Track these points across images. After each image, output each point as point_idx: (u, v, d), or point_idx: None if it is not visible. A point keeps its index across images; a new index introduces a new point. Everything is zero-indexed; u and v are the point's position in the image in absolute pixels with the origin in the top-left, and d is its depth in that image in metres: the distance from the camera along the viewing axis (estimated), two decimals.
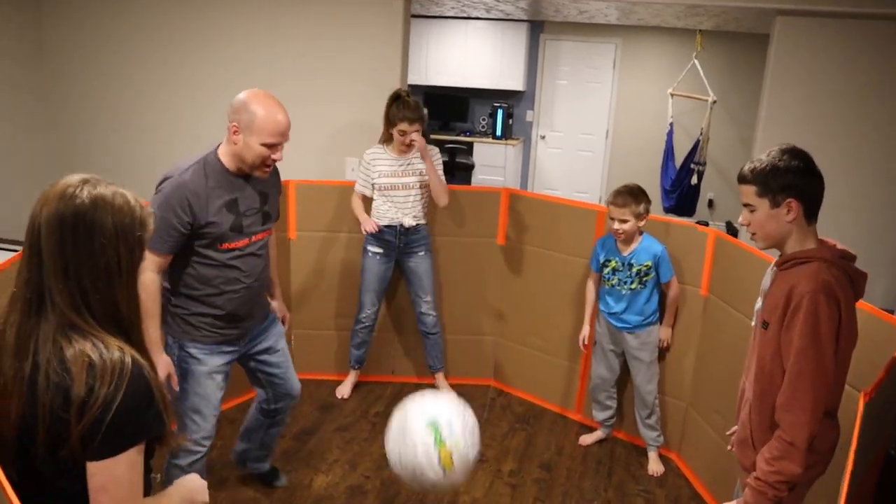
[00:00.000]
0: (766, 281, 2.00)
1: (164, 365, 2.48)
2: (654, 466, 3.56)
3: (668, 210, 7.18)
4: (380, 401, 4.05)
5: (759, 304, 2.04)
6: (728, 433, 2.24)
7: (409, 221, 3.78)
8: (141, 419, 1.33)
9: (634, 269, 3.39)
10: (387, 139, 3.78)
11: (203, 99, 4.55)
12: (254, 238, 2.57)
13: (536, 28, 8.72)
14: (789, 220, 1.88)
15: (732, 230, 7.04)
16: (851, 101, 3.89)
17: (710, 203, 8.57)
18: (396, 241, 3.81)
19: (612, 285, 3.46)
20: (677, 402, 3.60)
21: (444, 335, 4.19)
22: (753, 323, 2.07)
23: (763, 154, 1.92)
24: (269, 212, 2.65)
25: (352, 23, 4.28)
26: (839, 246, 1.91)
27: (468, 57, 8.69)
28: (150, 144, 4.68)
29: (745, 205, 1.92)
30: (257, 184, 2.56)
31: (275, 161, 2.47)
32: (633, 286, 3.40)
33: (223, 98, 4.63)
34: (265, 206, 2.61)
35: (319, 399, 4.02)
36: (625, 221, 3.33)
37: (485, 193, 4.14)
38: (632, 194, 3.36)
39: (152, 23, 4.52)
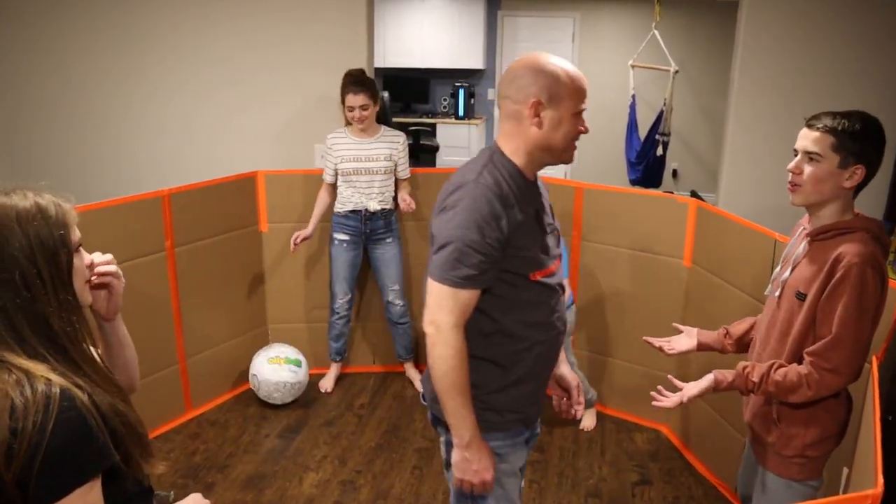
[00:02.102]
0: (798, 250, 1.93)
1: (487, 460, 1.76)
2: (587, 422, 3.73)
3: (634, 182, 7.17)
4: (364, 392, 3.98)
5: (780, 273, 1.98)
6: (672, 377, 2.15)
7: (373, 206, 3.69)
8: (79, 456, 1.15)
9: None
10: (347, 121, 3.69)
11: (164, 92, 4.38)
12: (554, 265, 1.86)
13: (494, 5, 8.62)
14: (847, 187, 1.82)
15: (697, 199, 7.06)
16: (826, 64, 3.88)
17: (675, 173, 8.60)
18: (362, 227, 3.72)
19: None
20: (664, 375, 3.58)
21: (418, 322, 4.11)
22: (769, 292, 2.02)
23: (841, 111, 1.84)
24: (558, 228, 1.96)
25: (315, 5, 4.14)
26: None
27: (426, 37, 8.57)
28: (112, 141, 4.50)
29: (809, 153, 1.82)
30: (541, 192, 1.89)
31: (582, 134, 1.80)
32: None
33: (184, 90, 4.51)
34: (554, 220, 1.93)
35: (302, 394, 3.92)
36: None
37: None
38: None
39: (109, 17, 4.32)
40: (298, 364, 3.78)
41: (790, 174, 1.87)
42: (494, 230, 1.65)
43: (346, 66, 3.85)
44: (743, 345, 2.18)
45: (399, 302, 3.89)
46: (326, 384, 4.00)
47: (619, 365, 3.73)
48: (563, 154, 1.77)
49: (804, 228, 1.94)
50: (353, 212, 3.69)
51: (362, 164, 3.64)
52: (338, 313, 3.87)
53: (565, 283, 1.98)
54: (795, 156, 1.88)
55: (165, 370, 3.55)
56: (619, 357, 3.73)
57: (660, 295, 3.52)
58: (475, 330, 1.74)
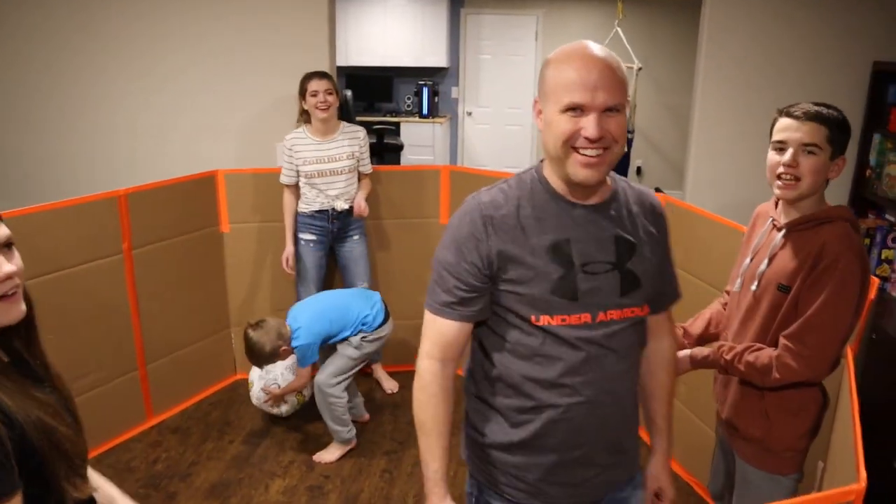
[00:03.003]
0: (774, 242, 1.88)
1: None
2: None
3: None
4: None
5: (751, 266, 1.94)
6: None
7: (341, 205, 3.62)
8: None
9: None
10: (305, 119, 3.60)
11: (122, 92, 4.25)
12: (605, 316, 1.46)
13: (457, 3, 8.58)
14: (831, 178, 1.81)
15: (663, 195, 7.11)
16: (785, 56, 3.90)
17: (639, 170, 8.64)
18: (329, 227, 3.65)
19: None
20: None
21: None
22: (738, 287, 1.99)
23: (815, 101, 1.81)
24: (639, 275, 1.48)
25: (277, 8, 4.05)
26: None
27: (389, 35, 8.49)
28: (70, 141, 4.36)
29: (806, 144, 1.76)
30: (616, 221, 1.48)
31: (595, 140, 1.34)
32: None
33: (143, 90, 4.38)
34: (629, 262, 1.47)
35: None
36: None
37: (423, 172, 4.00)
38: None
39: (68, 17, 4.18)
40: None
41: (783, 167, 1.79)
42: (472, 253, 1.42)
43: (309, 63, 3.80)
44: (703, 342, 2.14)
45: None
46: None
47: None
48: (563, 164, 1.39)
49: (772, 219, 1.91)
50: (319, 211, 3.61)
51: (325, 166, 3.57)
52: None
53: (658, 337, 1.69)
54: (780, 149, 1.81)
55: (124, 377, 3.43)
56: None
57: None
58: (481, 371, 1.55)
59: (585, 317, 1.42)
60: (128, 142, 4.30)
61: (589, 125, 1.32)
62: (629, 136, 6.98)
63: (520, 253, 1.41)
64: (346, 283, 3.83)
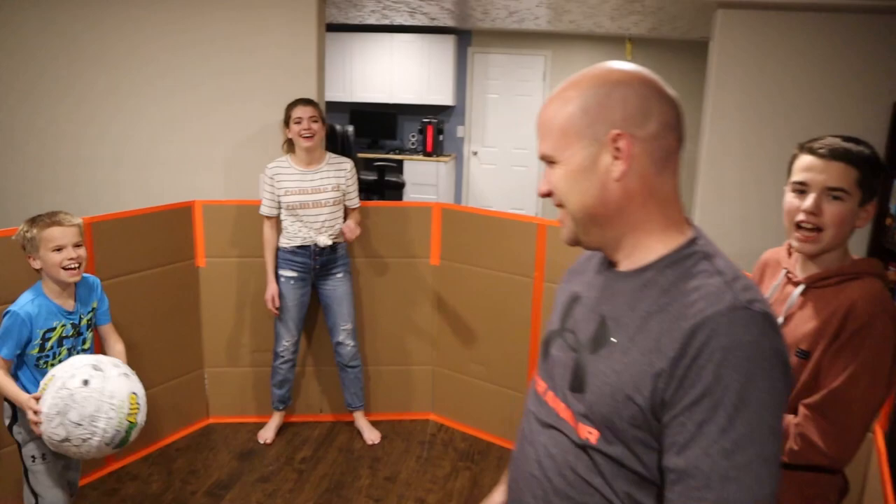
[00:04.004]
0: (790, 300, 1.61)
1: None
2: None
3: None
4: (307, 444, 3.62)
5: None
6: None
7: (323, 241, 3.40)
8: None
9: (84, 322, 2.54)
10: (289, 148, 3.41)
11: (102, 117, 4.08)
12: (552, 400, 1.20)
13: (464, 41, 8.47)
14: (858, 226, 1.54)
15: None
16: (797, 96, 3.70)
17: None
18: (312, 263, 3.42)
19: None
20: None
21: (371, 367, 3.81)
22: None
23: (840, 135, 1.54)
24: (587, 377, 1.13)
25: (263, 30, 3.89)
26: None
27: (395, 72, 8.37)
28: (44, 167, 4.18)
29: (832, 189, 1.50)
30: (628, 300, 1.16)
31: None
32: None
33: (122, 117, 4.21)
34: (591, 353, 1.16)
35: (238, 446, 3.57)
36: None
37: (414, 209, 3.79)
38: None
39: (54, 41, 4.04)
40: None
41: (803, 215, 1.53)
42: None
43: (295, 95, 3.60)
44: None
45: (350, 342, 3.58)
46: (266, 434, 3.64)
47: None
48: None
49: (787, 271, 1.66)
50: (300, 247, 3.39)
51: (309, 197, 3.36)
52: (282, 357, 3.54)
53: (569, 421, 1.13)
54: (801, 192, 1.55)
55: None
56: None
57: None
58: None
59: (543, 385, 1.20)
60: (110, 169, 4.12)
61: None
62: None
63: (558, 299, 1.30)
64: (328, 324, 3.59)
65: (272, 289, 3.41)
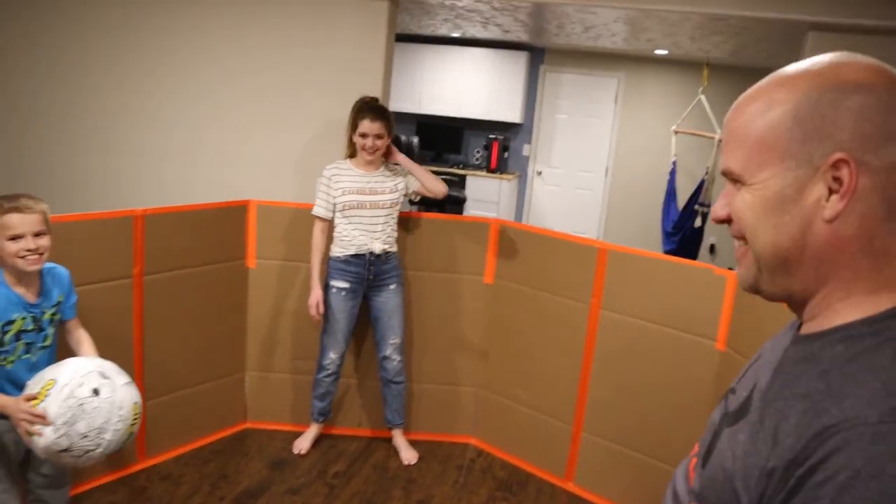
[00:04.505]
0: None
1: None
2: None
3: (668, 254, 6.69)
4: (342, 458, 3.52)
5: None
6: None
7: (378, 247, 3.30)
8: None
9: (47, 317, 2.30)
10: (351, 153, 3.33)
11: (170, 111, 4.09)
12: (692, 471, 1.10)
13: (537, 58, 8.34)
14: None
15: None
16: None
17: (712, 249, 8.12)
18: (365, 273, 3.32)
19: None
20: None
21: (414, 384, 3.68)
22: None
23: None
24: (711, 458, 1.02)
25: (332, 27, 3.84)
26: None
27: (464, 86, 8.29)
28: (109, 158, 4.21)
29: None
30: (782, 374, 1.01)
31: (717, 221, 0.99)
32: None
33: (189, 111, 4.22)
34: (721, 433, 1.03)
35: (271, 454, 3.48)
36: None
37: (471, 224, 3.66)
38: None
39: (115, 29, 4.08)
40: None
41: None
42: None
43: (360, 92, 3.52)
44: None
45: (397, 357, 3.46)
46: (302, 445, 3.54)
47: (640, 458, 3.23)
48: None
49: None
50: (355, 256, 3.30)
51: (367, 198, 3.27)
52: (327, 370, 3.44)
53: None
54: None
55: None
56: (639, 450, 3.23)
57: (687, 381, 3.04)
58: None
59: (695, 449, 0.98)
60: (157, 162, 4.13)
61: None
62: (705, 209, 6.51)
63: None
64: (376, 337, 3.48)
65: (317, 294, 3.32)
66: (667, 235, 6.84)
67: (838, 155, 0.76)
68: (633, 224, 8.32)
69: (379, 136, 3.24)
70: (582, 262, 3.31)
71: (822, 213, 0.78)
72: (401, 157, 3.40)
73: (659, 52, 7.24)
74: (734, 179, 0.84)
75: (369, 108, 3.26)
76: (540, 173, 8.67)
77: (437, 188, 3.41)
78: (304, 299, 3.54)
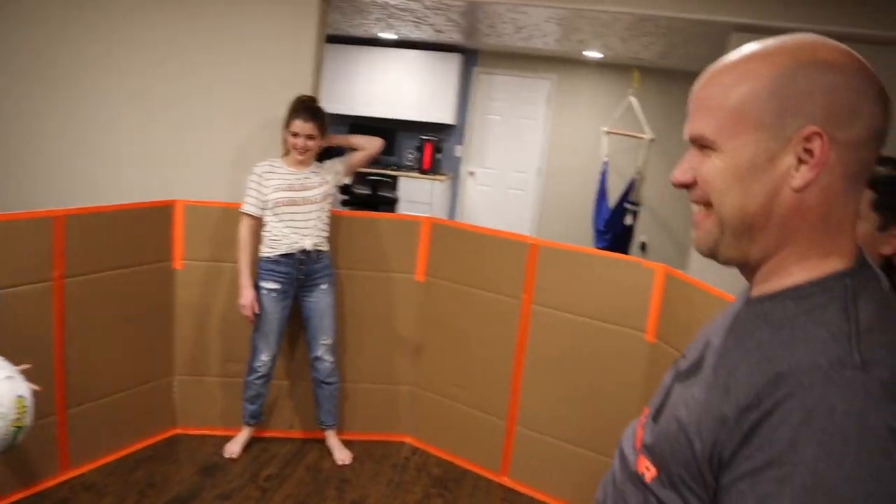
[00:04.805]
0: None
1: None
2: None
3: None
4: (274, 461, 3.45)
5: None
6: None
7: (309, 244, 3.26)
8: None
9: None
10: (285, 151, 3.29)
11: (101, 111, 3.95)
12: (641, 431, 1.17)
13: (470, 60, 8.39)
14: (884, 252, 1.40)
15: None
16: None
17: (643, 246, 8.29)
18: (295, 273, 3.27)
19: None
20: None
21: (347, 384, 3.65)
22: None
23: None
24: (662, 413, 1.13)
25: (261, 35, 3.78)
26: None
27: (398, 88, 8.27)
28: (39, 157, 4.04)
29: None
30: (731, 335, 1.07)
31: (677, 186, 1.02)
32: None
33: (120, 111, 4.08)
34: (673, 390, 1.11)
35: (202, 459, 3.40)
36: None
37: (402, 222, 3.65)
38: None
39: (43, 29, 3.92)
40: None
41: None
42: None
43: (286, 104, 3.49)
44: None
45: (329, 358, 3.42)
46: (233, 449, 3.47)
47: (573, 450, 3.27)
48: None
49: None
50: (285, 255, 3.24)
51: (298, 194, 3.24)
52: (258, 372, 3.37)
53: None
54: None
55: (38, 421, 3.00)
56: (570, 441, 3.27)
57: (617, 373, 3.09)
58: None
59: (645, 412, 1.03)
60: (87, 163, 3.98)
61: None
62: (635, 208, 6.65)
63: None
64: (307, 337, 3.44)
65: (249, 295, 3.25)
66: (599, 234, 6.96)
67: (812, 128, 0.80)
68: (566, 224, 8.43)
69: (310, 137, 3.21)
70: (513, 258, 3.34)
71: (790, 182, 0.82)
72: (338, 139, 3.50)
73: (590, 54, 7.36)
74: (703, 145, 0.87)
75: (304, 107, 3.24)
76: (472, 174, 8.71)
77: (373, 143, 3.49)
78: (233, 300, 3.47)
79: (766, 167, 0.83)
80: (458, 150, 8.65)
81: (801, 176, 0.82)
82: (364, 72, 8.26)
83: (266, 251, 3.26)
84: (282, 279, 3.27)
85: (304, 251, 3.25)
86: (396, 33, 7.42)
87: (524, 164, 8.60)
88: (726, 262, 0.91)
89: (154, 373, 3.50)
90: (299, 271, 3.28)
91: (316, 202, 3.27)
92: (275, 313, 3.30)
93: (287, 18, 3.77)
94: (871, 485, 0.68)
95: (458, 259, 3.52)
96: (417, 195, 8.13)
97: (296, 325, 3.50)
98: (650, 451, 0.92)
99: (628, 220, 6.66)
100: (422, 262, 3.61)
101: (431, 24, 6.38)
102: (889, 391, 0.71)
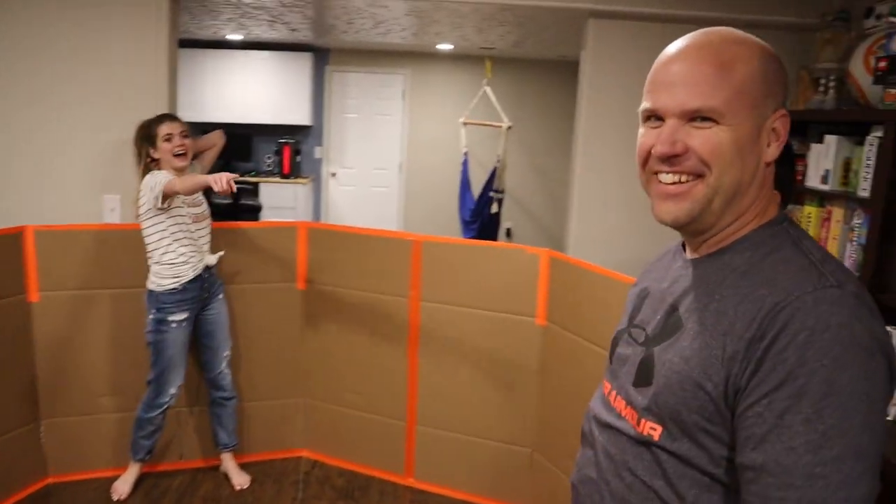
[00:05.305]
0: None
1: None
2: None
3: None
4: (168, 496, 3.24)
5: None
6: None
7: (212, 259, 3.12)
8: None
9: None
10: (156, 167, 3.04)
11: None
12: (614, 400, 1.17)
13: (322, 59, 8.23)
14: None
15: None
16: None
17: (508, 233, 8.48)
18: (200, 294, 3.09)
19: None
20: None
21: (239, 403, 3.48)
22: None
23: None
24: (654, 367, 1.12)
25: (108, 41, 3.50)
26: None
27: (249, 91, 7.99)
28: None
29: None
30: (696, 286, 1.15)
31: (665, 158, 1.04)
32: None
33: None
34: (658, 345, 1.10)
35: None
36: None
37: (278, 230, 3.52)
38: None
39: None
40: None
41: None
42: None
43: (145, 111, 3.26)
44: None
45: (228, 371, 3.28)
46: (122, 489, 3.20)
47: (475, 441, 3.27)
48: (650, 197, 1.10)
49: None
50: (192, 281, 3.02)
51: (196, 209, 3.08)
52: (163, 406, 3.11)
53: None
54: None
55: None
56: (467, 433, 3.27)
57: (513, 359, 3.12)
58: None
59: (607, 387, 1.14)
60: None
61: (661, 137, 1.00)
62: (499, 196, 6.77)
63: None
64: (206, 357, 3.24)
65: (216, 176, 2.74)
66: (466, 224, 7.05)
67: (783, 111, 0.96)
68: (432, 217, 8.48)
69: (184, 135, 3.05)
70: (397, 257, 3.29)
71: (764, 157, 0.97)
72: (199, 142, 3.33)
73: (442, 47, 7.40)
74: (703, 118, 0.94)
75: (163, 115, 3.09)
76: (334, 174, 8.58)
77: (217, 138, 3.40)
78: (100, 331, 3.21)
79: (756, 142, 0.95)
80: (318, 152, 8.49)
81: (773, 151, 0.97)
82: (212, 76, 7.93)
83: (170, 283, 2.99)
84: (189, 306, 3.05)
85: (207, 268, 3.09)
86: (248, 34, 7.15)
87: (385, 160, 8.56)
88: (696, 229, 1.01)
89: (16, 420, 3.17)
90: (203, 290, 3.09)
91: (207, 215, 3.13)
92: (184, 342, 3.08)
93: (135, 22, 3.51)
94: (870, 380, 0.83)
95: (339, 262, 3.43)
96: (281, 200, 7.91)
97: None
98: (651, 411, 0.99)
99: (493, 207, 6.78)
100: (302, 268, 3.50)
101: (287, 23, 6.18)
102: (861, 301, 0.87)
